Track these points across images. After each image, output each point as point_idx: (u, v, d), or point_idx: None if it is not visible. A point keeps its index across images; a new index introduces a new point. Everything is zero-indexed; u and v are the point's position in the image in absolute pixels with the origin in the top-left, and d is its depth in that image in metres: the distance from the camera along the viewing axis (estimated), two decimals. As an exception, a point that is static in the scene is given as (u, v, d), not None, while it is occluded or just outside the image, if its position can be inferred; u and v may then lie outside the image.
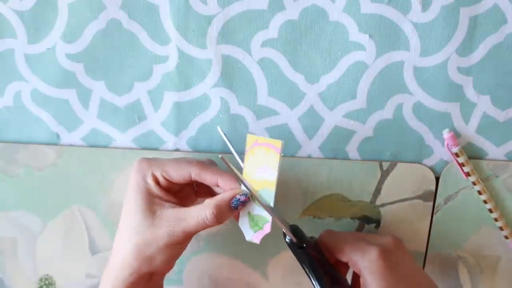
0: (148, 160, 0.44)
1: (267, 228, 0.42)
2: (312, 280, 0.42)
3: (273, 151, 0.40)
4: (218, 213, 0.41)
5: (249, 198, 0.42)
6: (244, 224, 0.43)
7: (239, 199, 0.41)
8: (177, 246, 0.42)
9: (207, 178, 0.43)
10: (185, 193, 0.46)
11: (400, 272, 0.42)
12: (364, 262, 0.42)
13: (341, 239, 0.44)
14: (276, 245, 0.51)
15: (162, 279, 0.45)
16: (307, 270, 0.43)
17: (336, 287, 0.43)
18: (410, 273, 0.43)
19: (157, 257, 0.42)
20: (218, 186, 0.43)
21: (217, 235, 0.52)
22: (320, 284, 0.42)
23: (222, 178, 0.42)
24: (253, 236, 0.42)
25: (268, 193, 0.41)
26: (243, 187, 0.42)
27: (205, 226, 0.41)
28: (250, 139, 0.42)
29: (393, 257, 0.42)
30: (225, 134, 0.44)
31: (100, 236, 0.52)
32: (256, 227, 0.42)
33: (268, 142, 0.41)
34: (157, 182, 0.43)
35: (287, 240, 0.43)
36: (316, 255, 0.43)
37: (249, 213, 0.42)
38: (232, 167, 0.41)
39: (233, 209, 0.41)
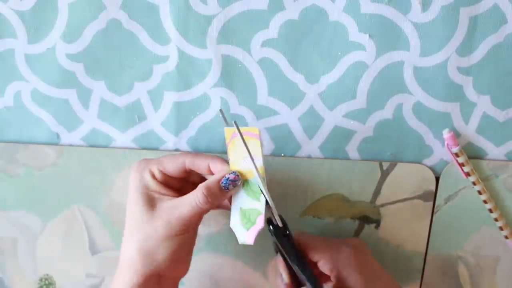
0: (145, 159, 0.44)
1: (260, 222, 0.41)
2: (297, 267, 0.43)
3: (252, 138, 0.40)
4: (209, 194, 0.41)
5: (238, 176, 0.41)
6: (236, 224, 0.43)
7: (228, 177, 0.41)
8: (175, 237, 0.42)
9: (200, 163, 0.43)
10: (187, 191, 0.46)
11: (370, 268, 0.46)
12: (341, 259, 0.45)
13: (315, 239, 0.47)
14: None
15: (173, 285, 0.45)
16: (291, 258, 0.43)
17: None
18: (377, 270, 0.47)
19: (158, 251, 0.42)
20: (211, 173, 0.43)
21: (218, 235, 0.52)
22: (304, 271, 0.43)
23: (213, 160, 0.43)
24: (246, 235, 0.42)
25: (259, 180, 0.41)
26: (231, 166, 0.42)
27: (199, 211, 0.41)
28: (227, 132, 0.42)
29: (363, 255, 0.46)
30: (223, 115, 0.43)
31: (100, 236, 0.52)
32: (249, 223, 0.42)
33: (246, 130, 0.40)
34: (153, 176, 0.43)
35: (271, 227, 0.43)
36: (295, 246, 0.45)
37: (241, 209, 0.42)
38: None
39: (224, 189, 0.41)
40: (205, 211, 0.41)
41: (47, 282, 0.53)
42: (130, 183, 0.43)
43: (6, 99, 0.50)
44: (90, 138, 0.51)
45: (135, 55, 0.48)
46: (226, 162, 0.43)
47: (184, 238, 0.43)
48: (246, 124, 0.50)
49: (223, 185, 0.41)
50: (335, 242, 0.46)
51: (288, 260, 0.44)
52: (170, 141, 0.50)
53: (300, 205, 0.51)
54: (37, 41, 0.48)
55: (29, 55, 0.49)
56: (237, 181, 0.42)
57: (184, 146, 0.50)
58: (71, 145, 0.51)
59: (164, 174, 0.43)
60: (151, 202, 0.42)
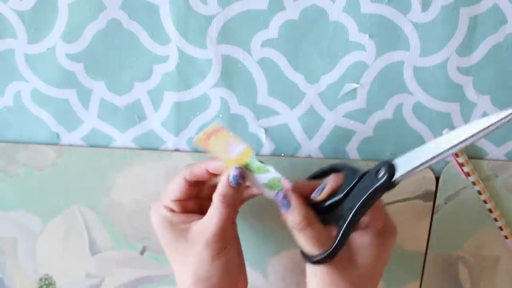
0: (156, 199, 0.45)
1: (286, 184, 0.41)
2: (354, 210, 0.38)
3: (220, 133, 0.42)
4: (225, 199, 0.41)
5: (241, 168, 0.41)
6: (270, 193, 0.42)
7: (234, 174, 0.41)
8: (220, 256, 0.42)
9: (197, 171, 0.43)
10: (207, 206, 0.45)
11: (383, 263, 0.43)
12: (386, 228, 0.42)
13: (383, 209, 0.43)
14: (277, 245, 0.51)
15: None
16: (363, 201, 0.38)
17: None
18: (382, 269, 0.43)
19: (211, 275, 0.42)
20: (212, 175, 0.43)
21: (217, 235, 0.52)
22: (354, 219, 0.38)
23: (210, 163, 0.42)
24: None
25: (254, 157, 0.42)
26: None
27: (225, 219, 0.41)
28: (197, 143, 0.43)
29: (391, 242, 0.43)
30: None
31: (100, 236, 0.52)
32: (278, 188, 0.42)
33: (209, 131, 0.42)
34: (172, 210, 0.43)
35: (391, 165, 0.39)
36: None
37: (264, 184, 0.42)
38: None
39: (236, 186, 0.41)
40: (231, 216, 0.42)
41: (47, 282, 0.53)
42: (154, 226, 0.44)
43: (6, 99, 0.50)
44: (90, 138, 0.51)
45: (135, 55, 0.48)
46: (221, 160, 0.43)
47: (229, 252, 0.43)
48: (246, 125, 0.50)
49: (234, 183, 0.41)
50: (385, 216, 0.42)
51: (357, 199, 0.38)
52: (170, 141, 0.50)
53: (300, 205, 0.51)
54: (37, 41, 0.48)
55: (29, 55, 0.49)
56: (243, 172, 0.41)
57: (184, 146, 0.50)
58: (71, 145, 0.51)
59: (179, 202, 0.43)
60: (181, 235, 0.42)
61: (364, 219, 0.41)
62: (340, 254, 0.39)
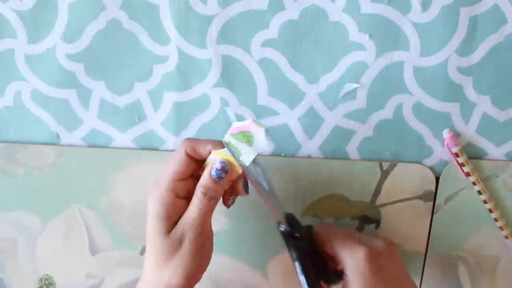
0: (157, 182, 0.42)
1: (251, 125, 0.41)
2: (299, 273, 0.42)
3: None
4: (207, 191, 0.40)
5: (225, 162, 0.40)
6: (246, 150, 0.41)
7: (216, 168, 0.40)
8: (201, 252, 0.41)
9: (201, 149, 0.41)
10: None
11: (384, 276, 0.42)
12: (350, 261, 0.41)
13: (334, 233, 0.44)
14: (277, 245, 0.51)
15: None
16: (296, 262, 0.42)
17: (322, 282, 0.43)
18: (395, 278, 0.42)
19: (197, 269, 0.41)
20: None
21: (218, 235, 0.52)
22: (306, 278, 0.42)
23: (214, 144, 0.41)
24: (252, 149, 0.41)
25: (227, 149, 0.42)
26: (215, 157, 0.41)
27: (206, 210, 0.40)
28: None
29: (380, 260, 0.42)
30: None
31: (100, 236, 0.52)
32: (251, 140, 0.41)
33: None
34: (176, 194, 0.41)
35: (280, 228, 0.43)
36: (308, 246, 0.43)
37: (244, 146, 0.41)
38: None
39: (218, 180, 0.40)
40: (212, 207, 0.41)
41: (47, 282, 0.53)
42: (149, 212, 0.41)
43: (6, 99, 0.50)
44: (90, 138, 0.51)
45: (135, 55, 0.48)
46: (223, 144, 0.41)
47: (209, 249, 0.43)
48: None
49: (216, 177, 0.40)
50: (354, 241, 0.43)
51: (295, 260, 0.43)
52: (170, 141, 0.50)
53: (300, 205, 0.51)
54: (37, 41, 0.48)
55: (29, 55, 0.49)
56: (226, 166, 0.40)
57: (184, 146, 0.50)
58: (71, 145, 0.51)
59: (180, 182, 0.42)
60: (172, 226, 0.41)
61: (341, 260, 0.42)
62: None
